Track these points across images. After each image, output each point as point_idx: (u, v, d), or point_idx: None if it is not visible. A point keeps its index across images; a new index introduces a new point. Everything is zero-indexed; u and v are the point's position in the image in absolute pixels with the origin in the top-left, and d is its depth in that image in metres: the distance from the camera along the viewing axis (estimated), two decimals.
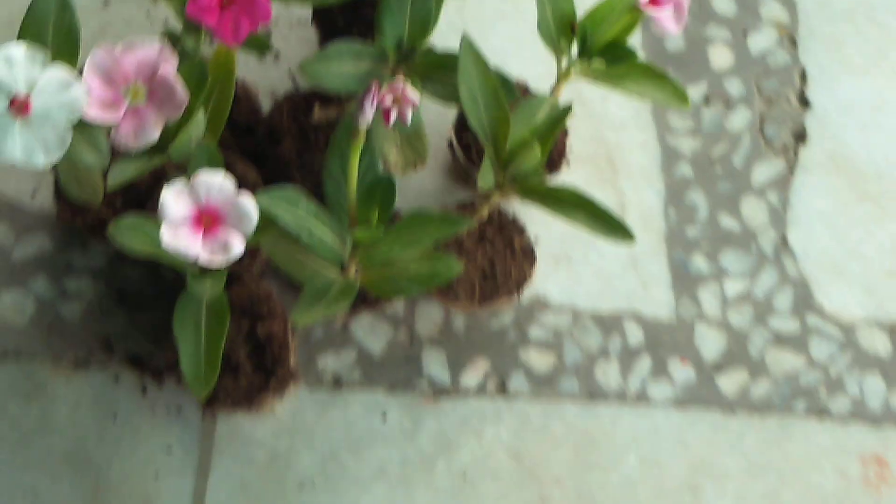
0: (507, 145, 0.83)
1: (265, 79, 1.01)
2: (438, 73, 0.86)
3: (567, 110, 0.82)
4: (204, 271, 0.78)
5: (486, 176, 0.86)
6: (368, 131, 0.79)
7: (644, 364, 1.01)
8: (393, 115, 0.77)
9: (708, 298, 1.04)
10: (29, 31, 0.76)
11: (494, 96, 0.83)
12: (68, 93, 0.70)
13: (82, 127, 0.73)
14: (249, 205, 0.73)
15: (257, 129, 0.95)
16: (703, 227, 1.05)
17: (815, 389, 1.01)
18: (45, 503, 0.91)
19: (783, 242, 1.06)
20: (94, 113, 0.72)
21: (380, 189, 0.80)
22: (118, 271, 0.97)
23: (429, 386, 0.98)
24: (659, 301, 1.03)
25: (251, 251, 0.91)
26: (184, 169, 0.82)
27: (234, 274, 0.92)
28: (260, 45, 0.81)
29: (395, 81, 0.76)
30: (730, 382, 1.01)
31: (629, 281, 1.03)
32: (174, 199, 0.73)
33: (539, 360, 1.00)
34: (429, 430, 0.96)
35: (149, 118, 0.73)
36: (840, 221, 1.07)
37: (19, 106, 0.70)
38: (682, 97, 0.85)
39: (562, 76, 0.89)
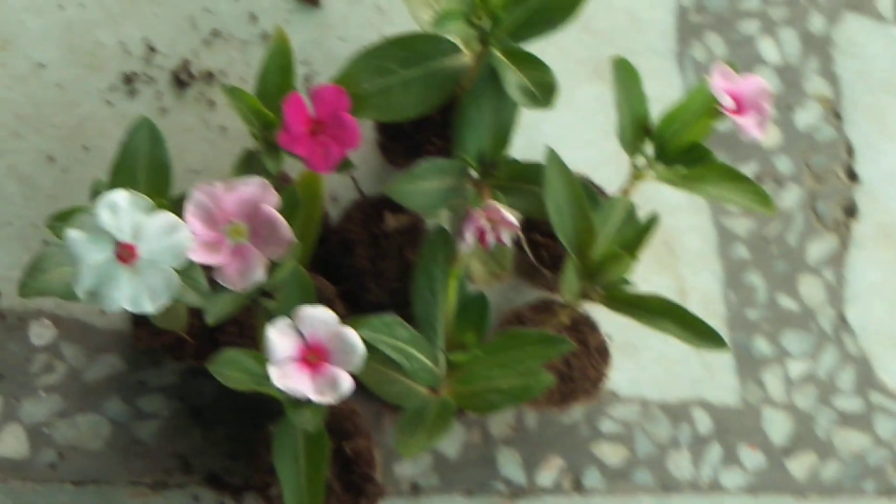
0: (594, 255, 0.83)
1: (327, 184, 1.00)
2: (519, 183, 0.86)
3: (654, 220, 0.82)
4: (302, 401, 0.77)
5: (570, 285, 0.85)
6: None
7: (714, 452, 1.01)
8: (490, 238, 0.77)
9: (772, 381, 1.04)
10: (121, 167, 0.75)
11: (580, 208, 0.83)
12: (174, 237, 0.69)
13: (182, 268, 0.72)
14: (355, 338, 0.73)
15: (329, 239, 0.94)
16: (763, 309, 1.06)
17: (882, 468, 1.02)
18: None
19: (842, 320, 1.06)
20: (197, 255, 0.71)
21: (474, 308, 0.79)
22: (191, 387, 0.96)
23: (505, 487, 0.97)
24: (724, 386, 1.03)
25: None
26: (271, 294, 0.81)
27: None
28: (344, 166, 0.81)
29: (492, 205, 0.76)
30: (799, 466, 1.02)
31: (694, 367, 1.03)
32: (280, 337, 0.72)
33: (611, 453, 1.00)
34: None
35: (253, 258, 0.72)
36: (895, 294, 1.07)
37: (126, 253, 0.69)
38: (765, 200, 0.85)
39: (636, 177, 0.89)
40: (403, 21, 1.02)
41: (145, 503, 0.93)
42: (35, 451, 0.94)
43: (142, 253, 0.69)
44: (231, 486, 0.94)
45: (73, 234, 0.69)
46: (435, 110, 0.91)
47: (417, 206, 0.83)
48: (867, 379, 1.05)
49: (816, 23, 1.13)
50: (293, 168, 0.96)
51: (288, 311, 0.74)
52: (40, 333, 0.96)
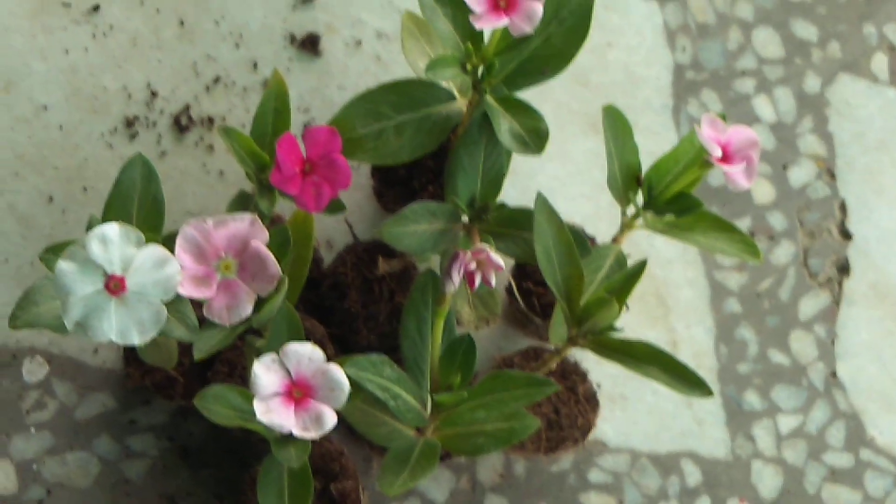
0: (582, 301, 0.84)
1: (321, 227, 1.01)
2: (510, 228, 0.86)
3: (642, 265, 0.82)
4: (288, 438, 0.78)
5: (558, 331, 0.86)
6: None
7: None
8: (477, 279, 0.78)
9: (762, 435, 1.04)
10: (115, 202, 0.76)
11: (569, 253, 0.83)
12: (163, 270, 0.70)
13: (171, 301, 0.72)
14: (340, 375, 0.73)
15: (321, 282, 0.95)
16: (755, 363, 1.06)
17: None
18: None
19: (833, 376, 1.07)
20: (187, 289, 0.72)
21: (461, 350, 0.80)
22: (181, 427, 0.96)
23: None
24: (715, 439, 1.03)
25: None
26: (260, 332, 0.82)
27: None
28: (335, 207, 0.81)
29: (479, 246, 0.77)
30: None
31: (684, 419, 1.04)
32: (265, 372, 0.73)
33: (600, 503, 1.00)
34: None
35: (241, 293, 0.73)
36: (886, 353, 1.08)
37: (115, 285, 0.70)
38: (752, 250, 0.86)
39: (626, 226, 0.90)
40: (401, 71, 1.04)
41: None
42: (23, 488, 0.94)
43: (131, 285, 0.70)
44: None
45: (64, 265, 0.70)
46: (429, 156, 0.93)
47: (408, 248, 0.84)
48: (858, 435, 1.05)
49: (812, 83, 1.14)
50: (288, 212, 0.97)
51: (276, 348, 0.74)
52: (33, 370, 0.96)
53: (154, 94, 1.04)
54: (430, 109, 0.87)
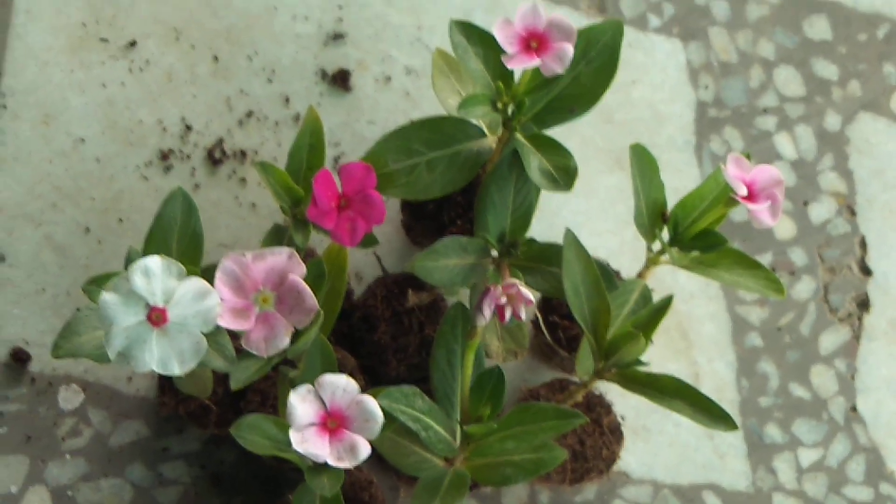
0: (609, 334, 0.85)
1: (351, 260, 1.03)
2: (538, 263, 0.88)
3: (669, 301, 0.84)
4: (321, 467, 0.79)
5: (584, 364, 0.88)
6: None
7: None
8: (507, 313, 0.79)
9: (783, 468, 1.05)
10: (156, 235, 0.79)
11: (596, 288, 0.85)
12: (204, 303, 0.72)
13: (210, 333, 0.74)
14: (374, 406, 0.75)
15: (352, 314, 0.97)
16: (775, 397, 1.07)
17: None
18: None
19: (853, 410, 1.08)
20: (226, 321, 0.74)
21: (490, 383, 0.82)
22: (213, 455, 0.98)
23: None
24: (736, 471, 1.05)
25: None
26: (293, 363, 0.84)
27: None
28: (368, 241, 0.83)
29: (510, 281, 0.79)
30: None
31: (706, 452, 1.05)
32: (301, 403, 0.75)
33: None
34: None
35: (279, 325, 0.75)
36: None
37: (157, 316, 0.72)
38: (776, 286, 0.88)
39: (652, 261, 0.92)
40: (430, 107, 1.06)
41: None
42: None
43: (172, 317, 0.72)
44: None
45: (108, 297, 0.72)
46: (457, 191, 0.95)
47: (438, 282, 0.85)
48: (877, 469, 1.06)
49: (832, 121, 1.16)
50: (320, 245, 0.99)
51: (310, 379, 0.76)
52: (68, 398, 0.98)
53: (188, 128, 1.06)
54: (461, 146, 0.89)
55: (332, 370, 0.79)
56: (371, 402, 0.75)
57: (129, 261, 0.77)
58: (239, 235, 1.04)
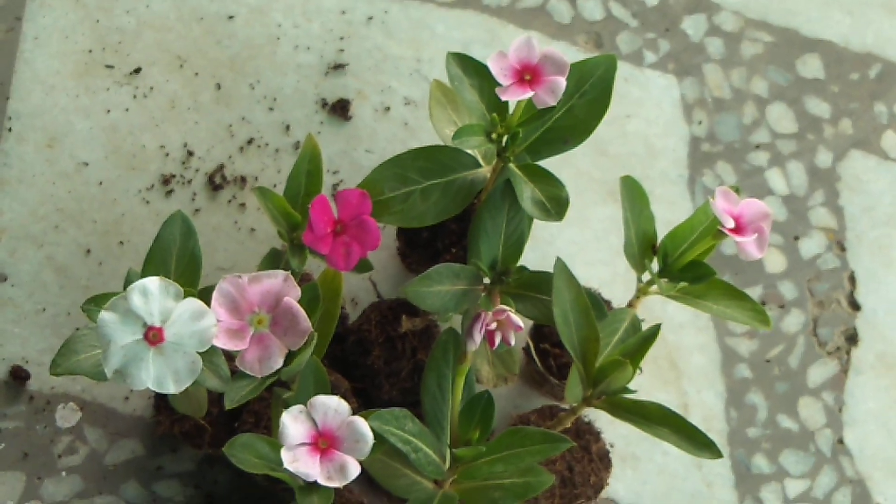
0: (597, 362, 0.87)
1: (346, 285, 1.04)
2: (529, 290, 0.90)
3: (656, 329, 0.86)
4: (312, 486, 0.81)
5: (573, 390, 0.89)
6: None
7: None
8: (497, 339, 0.81)
9: (770, 499, 1.07)
10: (155, 257, 0.80)
11: (585, 316, 0.87)
12: (200, 323, 0.74)
13: (205, 353, 0.76)
14: (365, 428, 0.77)
15: (346, 337, 0.99)
16: (763, 428, 1.09)
17: None
18: None
19: (840, 442, 1.09)
20: (221, 341, 0.76)
21: (480, 407, 0.83)
22: (207, 475, 0.99)
23: None
24: (723, 501, 1.06)
25: None
26: (287, 384, 0.86)
27: None
28: (363, 267, 0.85)
29: (500, 307, 0.80)
30: None
31: (694, 481, 1.06)
32: (293, 423, 0.76)
33: None
34: None
35: (273, 347, 0.77)
36: (893, 421, 1.10)
37: (154, 336, 0.73)
38: (762, 318, 0.90)
39: (641, 291, 0.93)
40: (428, 137, 1.08)
41: None
42: None
43: (169, 336, 0.73)
44: None
45: (106, 316, 0.73)
46: (452, 219, 0.96)
47: (431, 308, 0.87)
48: (863, 502, 1.08)
49: (823, 158, 1.18)
50: (317, 270, 1.01)
51: (303, 400, 0.78)
52: (66, 416, 1.00)
53: (190, 154, 1.08)
54: (455, 175, 0.91)
55: (325, 392, 0.80)
56: (361, 424, 0.77)
57: (128, 282, 0.79)
58: (237, 259, 1.06)
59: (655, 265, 0.92)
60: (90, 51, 1.10)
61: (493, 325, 0.81)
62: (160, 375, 0.74)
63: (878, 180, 1.18)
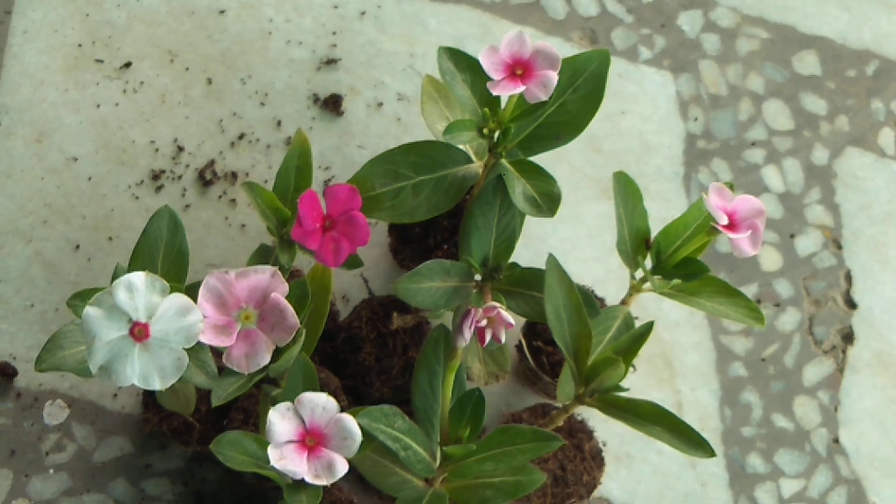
0: (590, 360, 0.86)
1: (338, 282, 1.04)
2: (521, 287, 0.89)
3: (649, 327, 0.85)
4: (300, 484, 0.80)
5: (565, 388, 0.88)
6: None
7: None
8: (487, 336, 0.80)
9: (765, 498, 1.06)
10: (142, 252, 0.79)
11: (578, 313, 0.86)
12: (186, 319, 0.73)
13: (192, 349, 0.75)
14: (353, 425, 0.76)
15: (337, 334, 0.98)
16: (758, 427, 1.08)
17: None
18: None
19: (835, 442, 1.09)
20: (207, 337, 0.75)
21: (470, 404, 0.82)
22: (196, 473, 0.98)
23: None
24: (717, 500, 1.05)
25: None
26: (276, 381, 0.85)
27: None
28: (353, 263, 0.84)
29: (490, 304, 0.79)
30: None
31: (688, 480, 1.05)
32: (280, 420, 0.75)
33: None
34: None
35: (260, 343, 0.76)
36: (888, 420, 1.10)
37: (139, 331, 0.72)
38: (756, 315, 0.89)
39: (634, 288, 0.92)
40: (421, 132, 1.07)
41: None
42: None
43: (154, 332, 0.73)
44: None
45: (91, 311, 0.72)
46: (444, 216, 0.96)
47: (421, 304, 0.86)
48: (858, 501, 1.07)
49: (820, 155, 1.17)
50: (308, 267, 1.00)
51: (291, 397, 0.77)
52: (53, 413, 0.99)
53: (180, 149, 1.07)
54: (447, 171, 0.90)
55: (314, 389, 0.79)
56: (350, 421, 0.76)
57: (115, 278, 0.78)
58: (227, 256, 1.05)
59: (649, 262, 0.91)
60: (80, 45, 1.09)
61: (484, 322, 0.80)
62: (146, 372, 0.73)
63: (874, 178, 1.18)
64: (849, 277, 1.15)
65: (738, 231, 0.85)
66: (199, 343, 0.74)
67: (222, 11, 1.12)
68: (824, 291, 1.14)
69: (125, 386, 0.72)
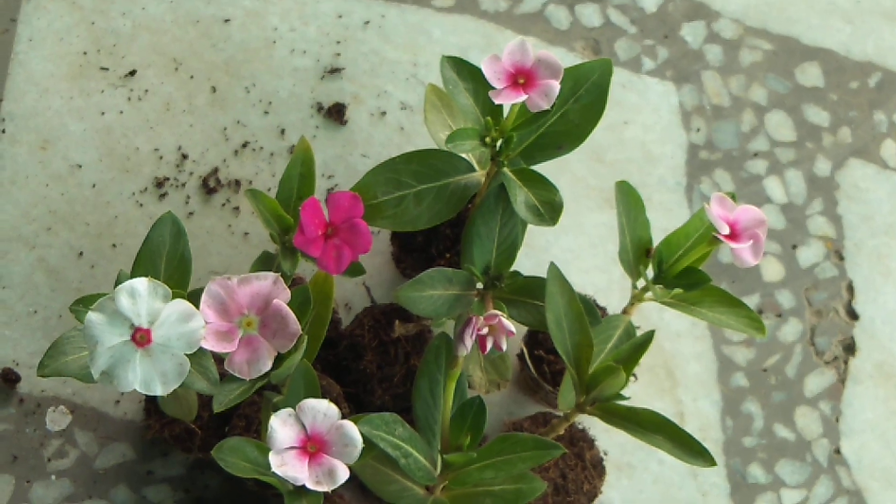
0: (591, 369, 0.86)
1: (340, 290, 1.05)
2: (522, 296, 0.89)
3: (650, 336, 0.85)
4: (301, 491, 0.80)
5: (566, 397, 0.88)
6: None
7: None
8: (489, 344, 0.80)
9: None
10: (145, 258, 0.80)
11: (579, 322, 0.86)
12: (188, 324, 0.73)
13: (194, 355, 0.75)
14: (354, 432, 0.76)
15: (339, 342, 0.98)
16: (760, 437, 1.08)
17: None
18: None
19: (837, 452, 1.09)
20: (209, 343, 0.75)
21: (471, 413, 0.82)
22: (197, 480, 0.99)
23: None
24: None
25: None
26: (278, 388, 0.85)
27: None
28: (355, 271, 0.85)
29: (492, 312, 0.80)
30: None
31: (689, 490, 1.06)
32: (281, 426, 0.76)
33: None
34: None
35: (262, 349, 0.76)
36: (890, 432, 1.10)
37: (141, 337, 0.73)
38: (757, 325, 0.89)
39: (636, 298, 0.93)
40: (424, 141, 1.07)
41: None
42: None
43: (157, 338, 0.73)
44: None
45: (93, 317, 0.73)
46: (446, 224, 0.96)
47: (423, 312, 0.86)
48: None
49: (822, 166, 1.17)
50: (310, 274, 1.00)
51: (293, 404, 0.77)
52: (56, 419, 0.99)
53: (184, 157, 1.08)
54: (449, 179, 0.90)
55: (316, 396, 0.80)
56: (351, 428, 0.76)
57: (118, 284, 0.78)
58: (230, 263, 1.05)
59: (651, 272, 0.91)
60: (85, 53, 1.09)
61: (485, 330, 0.80)
62: (147, 377, 0.73)
63: (876, 189, 1.18)
64: (850, 288, 1.15)
65: (739, 241, 0.85)
66: (200, 349, 0.75)
67: (227, 20, 1.12)
68: (826, 302, 1.14)
69: (127, 391, 0.73)
